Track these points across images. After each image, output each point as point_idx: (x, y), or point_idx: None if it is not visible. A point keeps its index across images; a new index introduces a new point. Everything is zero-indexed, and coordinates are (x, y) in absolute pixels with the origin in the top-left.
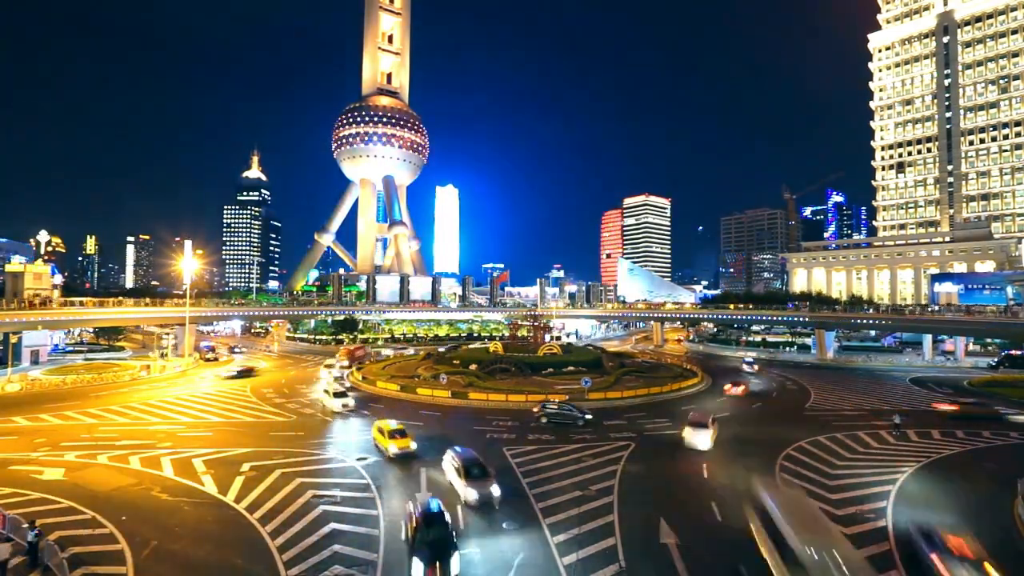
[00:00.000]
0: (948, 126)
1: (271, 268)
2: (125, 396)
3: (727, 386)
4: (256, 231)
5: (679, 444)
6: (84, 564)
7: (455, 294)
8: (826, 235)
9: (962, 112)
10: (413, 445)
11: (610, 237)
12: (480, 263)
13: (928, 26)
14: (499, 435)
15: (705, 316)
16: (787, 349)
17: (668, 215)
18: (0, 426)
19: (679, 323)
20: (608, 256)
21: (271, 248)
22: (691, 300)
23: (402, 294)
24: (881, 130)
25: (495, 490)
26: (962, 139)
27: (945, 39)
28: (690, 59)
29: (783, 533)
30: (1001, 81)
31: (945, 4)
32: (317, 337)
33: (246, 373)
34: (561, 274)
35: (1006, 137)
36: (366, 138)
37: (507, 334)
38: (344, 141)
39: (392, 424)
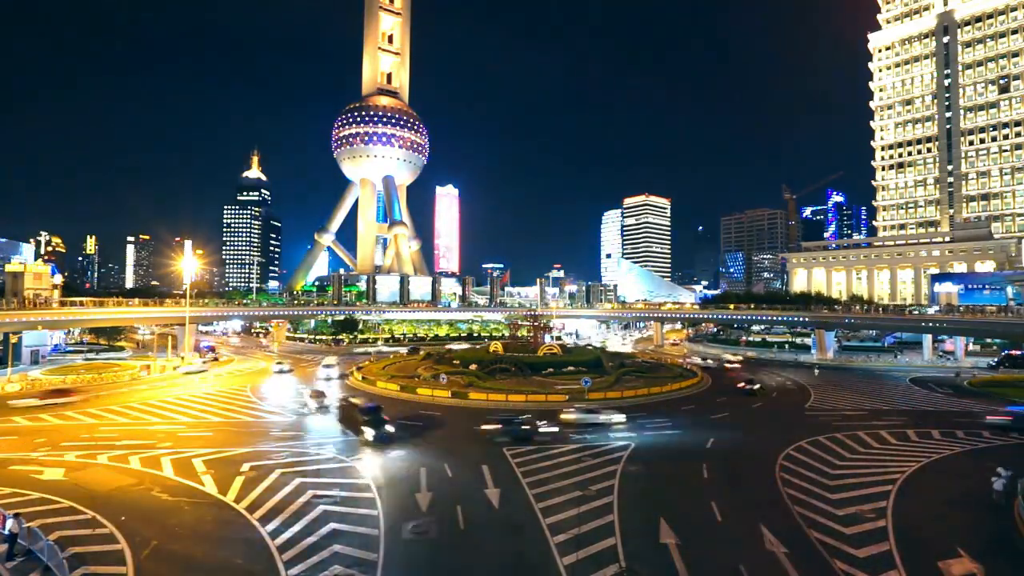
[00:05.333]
0: (948, 126)
1: (271, 268)
2: (125, 396)
3: None
4: (256, 231)
5: (679, 444)
6: (84, 564)
7: (455, 294)
8: (826, 235)
9: (962, 112)
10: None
11: (610, 237)
12: (480, 263)
13: (928, 26)
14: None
15: (705, 316)
16: (787, 348)
17: (668, 215)
18: (0, 426)
19: (679, 323)
20: (608, 256)
21: (271, 248)
22: (691, 300)
23: (402, 294)
24: (881, 130)
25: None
26: (962, 139)
27: (945, 39)
28: (690, 59)
29: None
30: (1001, 81)
31: (945, 4)
32: (317, 337)
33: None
34: (561, 274)
35: (1006, 137)
36: (366, 138)
37: (507, 334)
38: (344, 141)
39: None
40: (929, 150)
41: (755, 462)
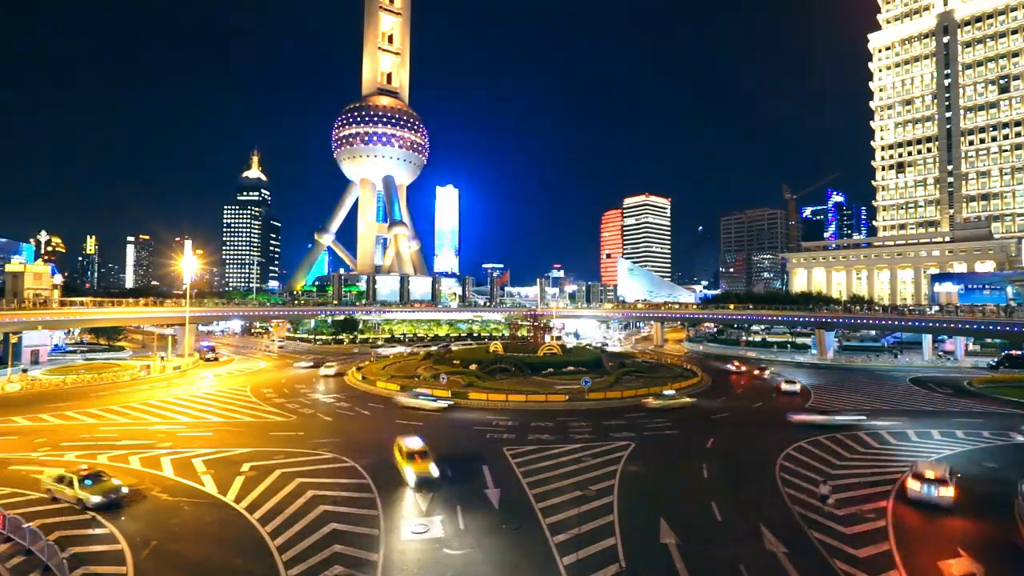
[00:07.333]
0: (948, 126)
1: (271, 268)
2: (125, 396)
3: None
4: (256, 231)
5: (679, 444)
6: (84, 564)
7: (455, 294)
8: (826, 235)
9: (962, 112)
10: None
11: (610, 237)
12: (480, 263)
13: (928, 26)
14: (499, 435)
15: (705, 316)
16: (787, 348)
17: (668, 215)
18: (0, 426)
19: (679, 323)
20: (608, 256)
21: (271, 248)
22: (691, 300)
23: (402, 294)
24: (881, 130)
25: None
26: (962, 139)
27: (945, 39)
28: (691, 59)
29: None
30: (1001, 81)
31: (945, 4)
32: (317, 337)
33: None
34: (561, 274)
35: (1006, 137)
36: (366, 138)
37: (507, 334)
38: (344, 141)
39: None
40: (929, 150)
41: (755, 462)
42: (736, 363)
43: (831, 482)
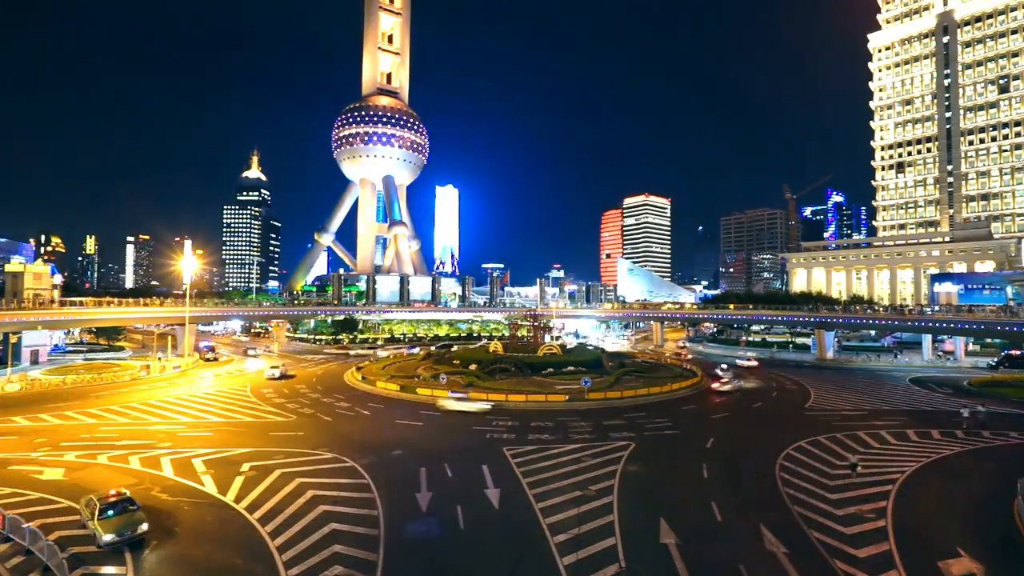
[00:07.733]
0: (948, 126)
1: (271, 268)
2: (125, 396)
3: None
4: (256, 231)
5: (679, 443)
6: (84, 564)
7: (455, 294)
8: (826, 235)
9: (962, 112)
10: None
11: (610, 237)
12: (480, 263)
13: (928, 26)
14: (499, 435)
15: (705, 316)
16: (788, 348)
17: (668, 215)
18: (0, 426)
19: (679, 323)
20: (608, 256)
21: (271, 248)
22: (691, 300)
23: (402, 294)
24: (881, 130)
25: None
26: (962, 139)
27: (945, 39)
28: (690, 59)
29: None
30: (1001, 81)
31: (945, 4)
32: (317, 337)
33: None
34: (561, 274)
35: (1006, 137)
36: (366, 138)
37: (507, 334)
38: (344, 141)
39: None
40: (929, 150)
41: (755, 462)
42: (683, 352)
43: (834, 481)
